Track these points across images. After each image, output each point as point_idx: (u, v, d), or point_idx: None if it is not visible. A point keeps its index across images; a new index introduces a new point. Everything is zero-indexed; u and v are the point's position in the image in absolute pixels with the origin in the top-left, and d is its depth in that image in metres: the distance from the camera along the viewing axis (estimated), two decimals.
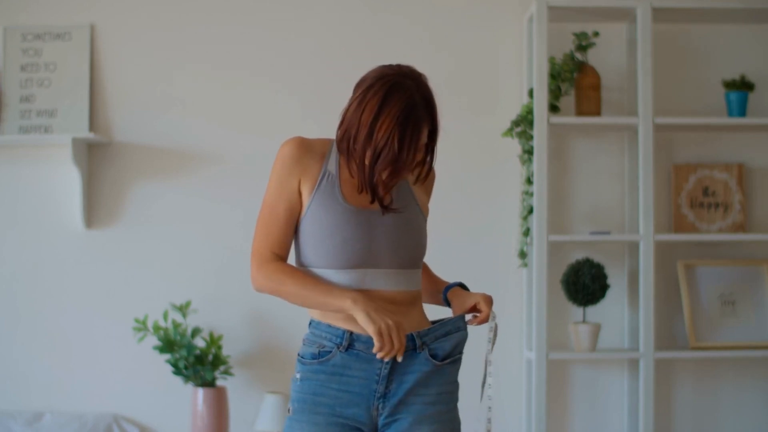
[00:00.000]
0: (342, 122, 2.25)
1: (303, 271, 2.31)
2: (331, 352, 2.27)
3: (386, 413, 2.28)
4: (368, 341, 2.24)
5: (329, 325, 2.28)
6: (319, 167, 2.30)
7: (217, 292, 4.14)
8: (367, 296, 2.24)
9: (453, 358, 2.34)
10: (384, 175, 2.21)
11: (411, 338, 2.27)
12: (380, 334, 2.18)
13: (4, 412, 4.08)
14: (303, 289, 2.26)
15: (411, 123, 2.18)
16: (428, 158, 2.29)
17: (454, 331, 2.33)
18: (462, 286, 2.45)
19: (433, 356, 2.29)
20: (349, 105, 2.24)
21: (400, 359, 2.22)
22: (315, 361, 2.29)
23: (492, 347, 2.40)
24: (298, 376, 2.32)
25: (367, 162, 2.20)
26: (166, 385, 4.10)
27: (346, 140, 2.22)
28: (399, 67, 2.27)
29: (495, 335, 2.41)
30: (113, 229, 4.17)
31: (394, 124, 2.17)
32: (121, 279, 4.16)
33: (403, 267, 2.29)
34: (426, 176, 2.32)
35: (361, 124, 2.19)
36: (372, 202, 2.25)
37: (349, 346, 2.27)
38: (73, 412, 4.11)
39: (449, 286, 2.44)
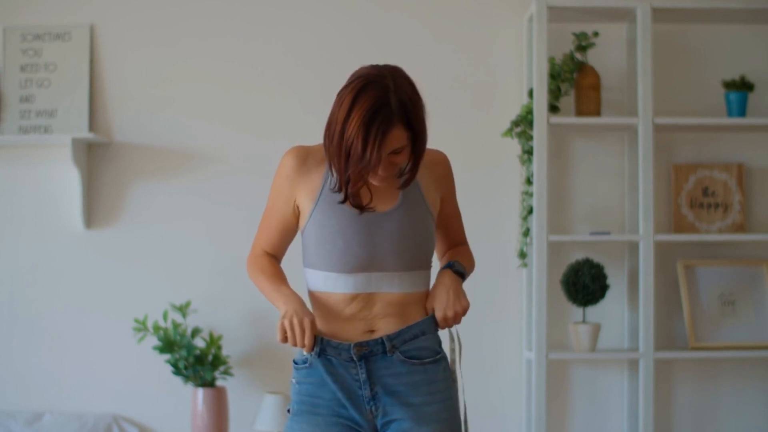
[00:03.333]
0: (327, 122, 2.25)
1: (271, 269, 2.35)
2: (306, 361, 2.31)
3: (381, 415, 2.29)
4: (338, 346, 2.27)
5: None
6: (321, 173, 2.30)
7: (217, 292, 4.14)
8: (299, 303, 2.25)
9: (433, 358, 2.33)
10: (353, 176, 2.18)
11: (381, 342, 2.27)
12: (281, 325, 2.21)
13: (4, 412, 4.08)
14: (262, 284, 2.34)
15: (377, 123, 2.13)
16: (412, 164, 2.24)
17: (421, 335, 2.32)
18: (454, 268, 2.37)
19: (410, 357, 2.29)
20: (333, 105, 2.23)
21: (306, 352, 2.26)
22: (303, 366, 2.32)
23: (456, 362, 2.37)
24: (294, 380, 2.35)
25: (343, 161, 2.18)
26: (166, 385, 4.10)
27: (327, 139, 2.21)
28: (383, 66, 2.22)
29: (458, 351, 2.38)
30: (113, 229, 4.17)
31: (360, 122, 2.13)
32: (121, 279, 4.16)
33: (408, 269, 2.29)
34: (408, 183, 2.26)
35: (336, 122, 2.17)
36: (343, 201, 2.23)
37: (322, 352, 2.28)
38: (72, 412, 4.11)
39: (443, 267, 2.41)
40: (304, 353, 2.30)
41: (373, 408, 2.28)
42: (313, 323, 2.22)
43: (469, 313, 4.10)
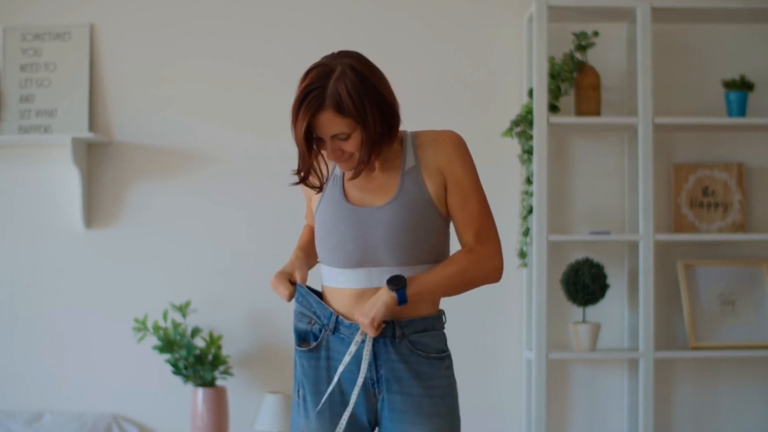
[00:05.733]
0: None
1: (304, 236, 2.51)
2: (319, 336, 2.31)
3: (381, 399, 2.29)
4: (351, 326, 2.28)
5: (319, 302, 2.32)
6: (329, 171, 2.34)
7: (217, 292, 4.14)
8: (289, 263, 2.40)
9: (438, 355, 2.33)
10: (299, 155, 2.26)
11: (392, 326, 2.27)
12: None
13: (4, 412, 4.08)
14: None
15: (306, 104, 2.18)
16: (362, 154, 2.22)
17: (430, 329, 2.32)
18: (390, 285, 2.23)
19: (417, 348, 2.29)
20: None
21: (285, 300, 2.35)
22: (306, 350, 2.32)
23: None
24: (296, 362, 2.37)
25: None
26: (166, 385, 4.10)
27: None
28: (344, 53, 2.25)
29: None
30: (113, 229, 4.17)
31: (294, 101, 2.21)
32: (121, 279, 4.16)
33: (407, 264, 2.27)
34: (354, 174, 2.25)
35: None
36: (297, 183, 2.29)
37: (335, 329, 2.30)
38: (72, 412, 4.11)
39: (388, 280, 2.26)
40: (314, 326, 2.32)
41: (377, 391, 2.29)
42: (280, 278, 2.34)
43: (469, 312, 4.11)
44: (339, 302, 2.31)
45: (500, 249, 2.30)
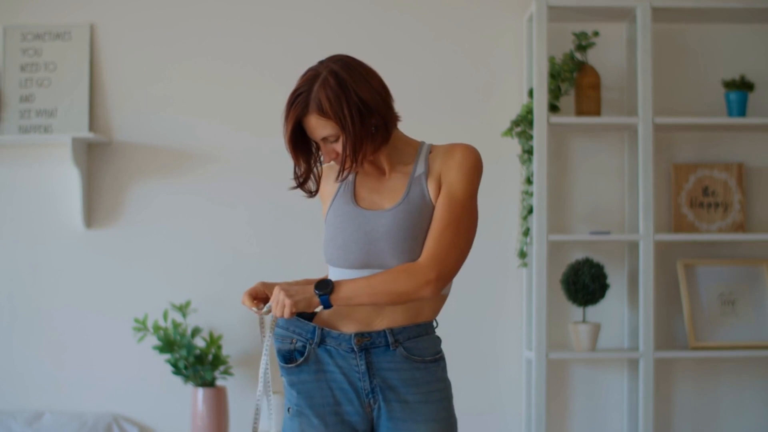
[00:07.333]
0: None
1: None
2: (305, 351, 2.30)
3: (377, 408, 2.29)
4: (338, 336, 2.28)
5: (297, 319, 2.31)
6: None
7: (217, 292, 4.14)
8: (293, 283, 2.30)
9: (433, 357, 2.33)
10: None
11: (384, 334, 2.28)
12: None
13: (4, 412, 4.08)
14: None
15: (293, 107, 2.24)
16: (345, 157, 2.25)
17: (424, 334, 2.32)
18: (317, 287, 2.22)
19: (413, 355, 2.30)
20: None
21: (257, 311, 2.30)
22: (293, 366, 2.31)
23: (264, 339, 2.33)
24: (286, 382, 2.35)
25: None
26: (166, 385, 4.10)
27: None
28: (335, 57, 2.30)
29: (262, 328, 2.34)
30: (113, 228, 4.17)
31: (285, 105, 2.26)
32: (121, 279, 4.16)
33: None
34: (339, 175, 2.28)
35: None
36: (294, 187, 2.33)
37: (321, 342, 2.29)
38: (72, 411, 4.11)
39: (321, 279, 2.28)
40: (296, 344, 2.30)
41: (372, 401, 2.29)
42: (252, 291, 2.31)
43: (469, 312, 4.11)
44: None
45: (443, 266, 2.23)
